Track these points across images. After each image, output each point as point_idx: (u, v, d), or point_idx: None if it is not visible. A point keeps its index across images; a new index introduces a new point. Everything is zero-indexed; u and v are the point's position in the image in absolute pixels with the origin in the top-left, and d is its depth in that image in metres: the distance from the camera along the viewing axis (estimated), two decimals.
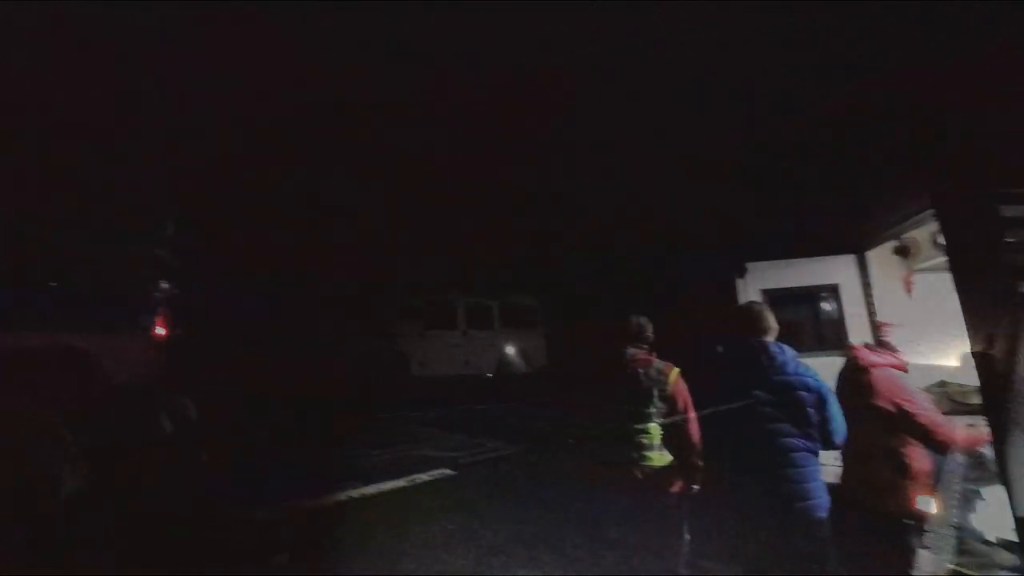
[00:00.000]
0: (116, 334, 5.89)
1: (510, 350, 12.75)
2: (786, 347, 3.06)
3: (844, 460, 3.37)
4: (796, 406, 2.89)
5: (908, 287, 4.91)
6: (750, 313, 3.18)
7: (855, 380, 3.38)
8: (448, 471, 6.47)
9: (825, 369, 4.71)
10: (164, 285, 6.21)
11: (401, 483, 6.07)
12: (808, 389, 2.91)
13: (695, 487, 3.53)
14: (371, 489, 5.85)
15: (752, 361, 3.01)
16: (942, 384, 4.59)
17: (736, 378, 3.05)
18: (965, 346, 3.88)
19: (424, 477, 6.28)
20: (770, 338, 3.08)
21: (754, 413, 2.92)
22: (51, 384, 3.98)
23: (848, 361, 3.49)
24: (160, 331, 6.33)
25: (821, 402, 2.92)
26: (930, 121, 3.65)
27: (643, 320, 3.66)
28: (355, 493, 5.69)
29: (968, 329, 3.36)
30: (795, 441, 2.88)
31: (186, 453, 4.86)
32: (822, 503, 2.88)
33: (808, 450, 2.90)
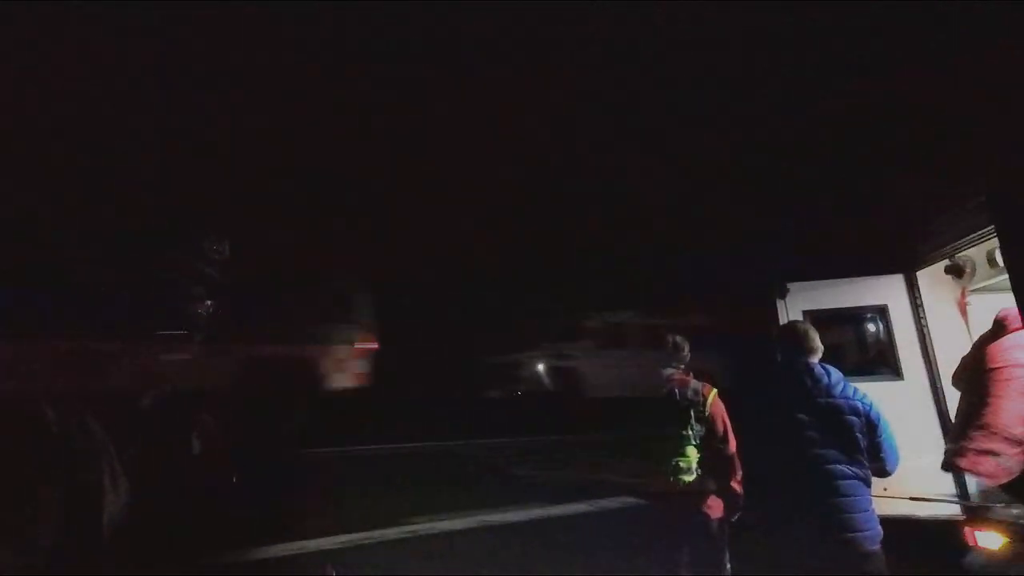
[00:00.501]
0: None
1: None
2: (832, 368, 2.94)
3: None
4: (844, 430, 2.76)
5: (962, 309, 4.67)
6: (795, 333, 3.08)
7: None
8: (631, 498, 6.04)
9: (875, 395, 4.54)
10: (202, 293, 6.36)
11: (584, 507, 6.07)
12: (857, 413, 2.77)
13: (736, 514, 3.39)
14: (556, 510, 5.87)
15: (797, 383, 2.88)
16: None
17: (780, 401, 2.93)
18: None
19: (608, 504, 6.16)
20: (815, 359, 2.97)
21: (800, 438, 2.79)
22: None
23: None
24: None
25: (871, 427, 2.78)
26: (986, 127, 3.51)
27: (679, 339, 3.58)
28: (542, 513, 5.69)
29: None
30: (843, 468, 2.73)
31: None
32: (873, 534, 2.72)
33: (857, 478, 2.75)
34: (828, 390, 2.83)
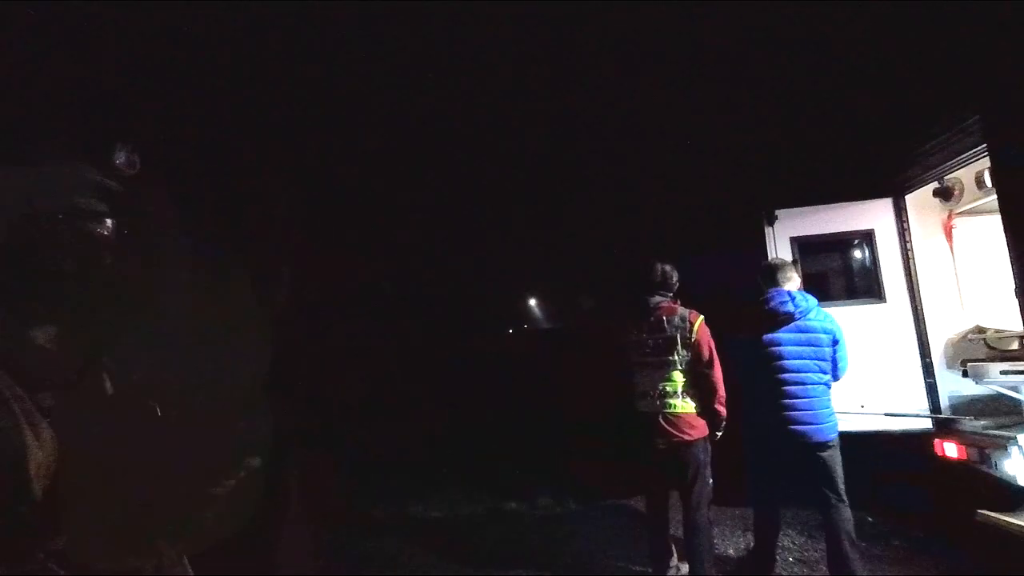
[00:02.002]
0: None
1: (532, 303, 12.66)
2: (809, 295, 3.51)
3: None
4: (817, 346, 3.40)
5: (948, 232, 4.70)
6: (773, 267, 3.61)
7: None
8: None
9: (858, 318, 4.65)
10: None
11: None
12: (827, 332, 3.42)
13: (718, 434, 3.54)
14: None
15: (780, 308, 3.42)
16: (979, 330, 4.46)
17: (766, 323, 3.45)
18: (1005, 290, 3.75)
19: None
20: (793, 287, 3.54)
21: (782, 353, 3.39)
22: None
23: None
24: None
25: (835, 343, 3.45)
26: (981, 44, 3.39)
27: (668, 267, 3.58)
28: None
29: (1013, 269, 3.23)
30: (815, 375, 3.39)
31: None
32: (834, 426, 3.41)
33: (824, 384, 3.43)
34: (805, 313, 3.41)
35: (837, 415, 3.46)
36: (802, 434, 3.30)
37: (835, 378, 3.49)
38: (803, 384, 3.35)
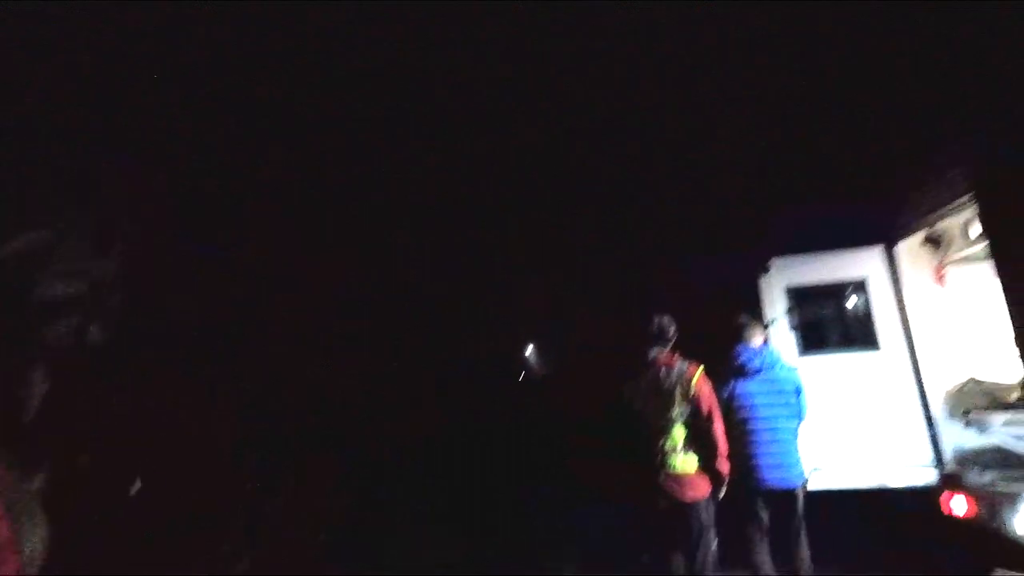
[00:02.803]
0: None
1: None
2: (773, 350, 3.91)
3: None
4: (787, 396, 3.73)
5: (940, 279, 4.72)
6: (742, 326, 3.90)
7: None
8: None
9: (855, 367, 4.60)
10: None
11: None
12: (791, 382, 3.76)
13: (723, 492, 3.40)
14: None
15: (748, 363, 3.75)
16: (977, 382, 4.40)
17: (737, 377, 3.78)
18: (1000, 340, 3.73)
19: None
20: (759, 342, 3.87)
21: (755, 404, 3.70)
22: None
23: None
24: None
25: (798, 392, 3.77)
26: (967, 100, 3.48)
27: (665, 319, 3.52)
28: None
29: (1012, 320, 3.21)
30: (784, 422, 3.69)
31: None
32: (803, 469, 3.72)
33: (793, 430, 3.73)
34: (772, 366, 3.74)
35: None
36: (770, 480, 3.58)
37: (799, 421, 3.82)
38: (772, 431, 3.65)
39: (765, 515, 3.63)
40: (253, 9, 4.33)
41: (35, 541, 0.94)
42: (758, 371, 3.72)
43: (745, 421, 3.67)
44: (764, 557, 3.62)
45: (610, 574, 4.04)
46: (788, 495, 3.60)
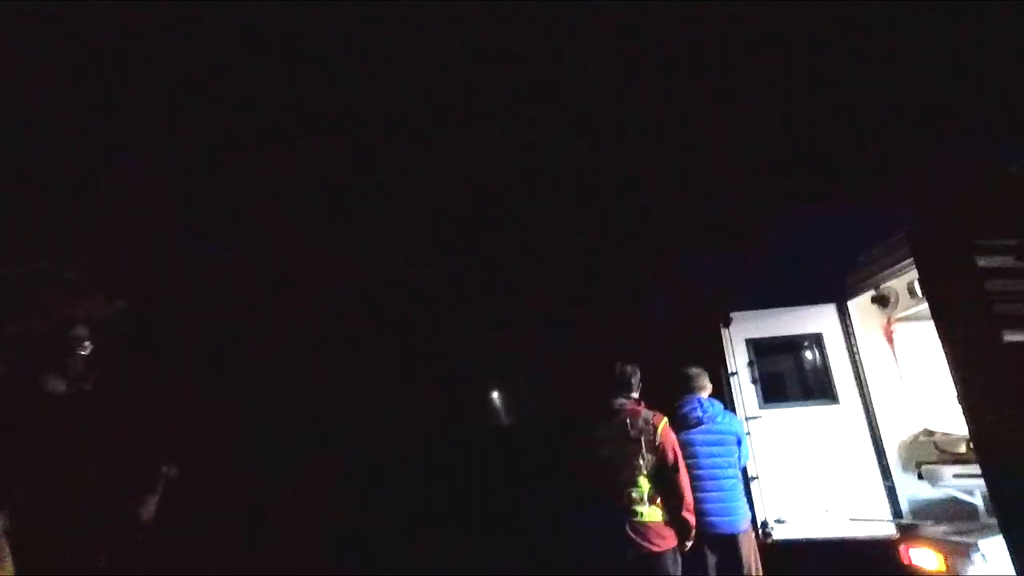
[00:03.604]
0: None
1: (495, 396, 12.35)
2: (716, 402, 4.10)
3: None
4: (729, 446, 3.94)
5: (888, 336, 4.97)
6: (688, 376, 4.14)
7: None
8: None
9: (814, 419, 4.74)
10: None
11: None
12: (732, 433, 3.99)
13: (688, 544, 3.41)
14: None
15: (691, 414, 3.95)
16: (928, 433, 4.59)
17: (681, 426, 3.89)
18: (948, 394, 3.92)
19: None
20: (705, 395, 4.11)
21: (701, 453, 3.88)
22: None
23: None
24: None
25: (739, 442, 4.02)
26: (909, 166, 3.80)
27: (628, 367, 3.61)
28: None
29: (954, 377, 3.40)
30: (731, 471, 3.90)
31: None
32: (748, 516, 3.94)
33: (734, 478, 3.93)
34: (714, 418, 3.95)
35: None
36: (715, 525, 3.71)
37: (741, 469, 4.07)
38: (715, 479, 3.82)
39: (713, 559, 3.73)
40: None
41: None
42: (699, 423, 3.92)
43: (690, 468, 3.74)
44: None
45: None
46: (733, 539, 3.75)
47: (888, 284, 4.64)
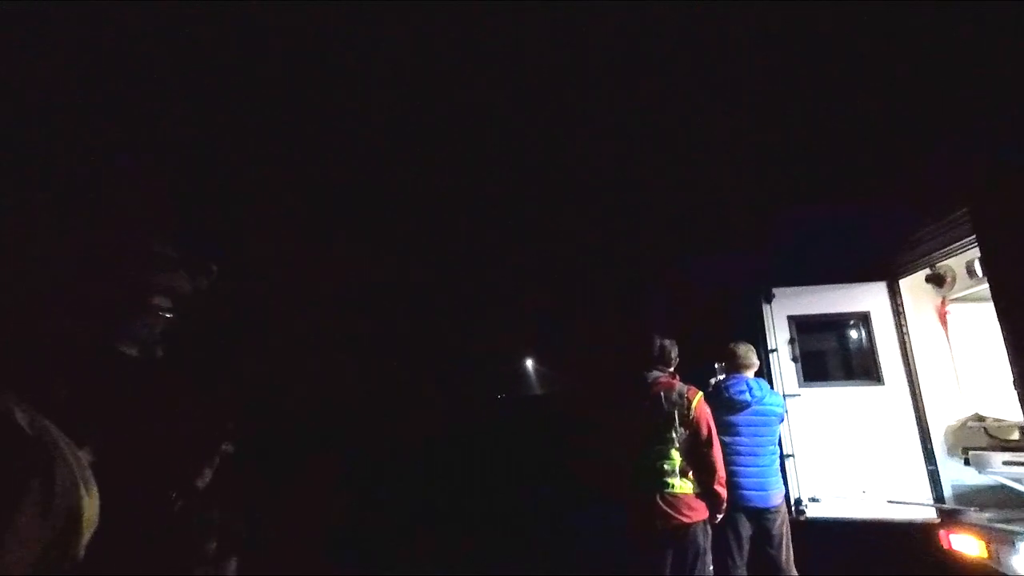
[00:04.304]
0: None
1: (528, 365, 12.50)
2: (763, 382, 4.03)
3: None
4: (772, 426, 3.95)
5: (942, 317, 4.76)
6: (735, 355, 4.05)
7: None
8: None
9: (856, 399, 4.63)
10: None
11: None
12: (777, 414, 3.98)
13: (719, 516, 3.43)
14: None
15: (738, 397, 3.87)
16: (979, 417, 4.43)
17: (724, 409, 3.85)
18: (1003, 378, 3.76)
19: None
20: (751, 373, 4.01)
21: (739, 432, 3.86)
22: None
23: None
24: None
25: (780, 420, 4.05)
26: (973, 138, 3.58)
27: (667, 342, 3.59)
28: None
29: (1011, 362, 3.25)
30: (767, 449, 3.90)
31: None
32: (779, 492, 3.90)
33: (774, 455, 3.94)
34: (761, 399, 3.88)
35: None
36: (749, 499, 3.73)
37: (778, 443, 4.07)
38: (755, 455, 3.83)
39: (745, 532, 3.74)
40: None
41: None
42: (749, 405, 3.85)
43: (731, 445, 3.78)
44: (742, 572, 3.73)
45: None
46: (765, 513, 3.77)
47: (945, 263, 4.42)
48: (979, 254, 3.85)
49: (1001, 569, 3.56)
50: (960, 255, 4.17)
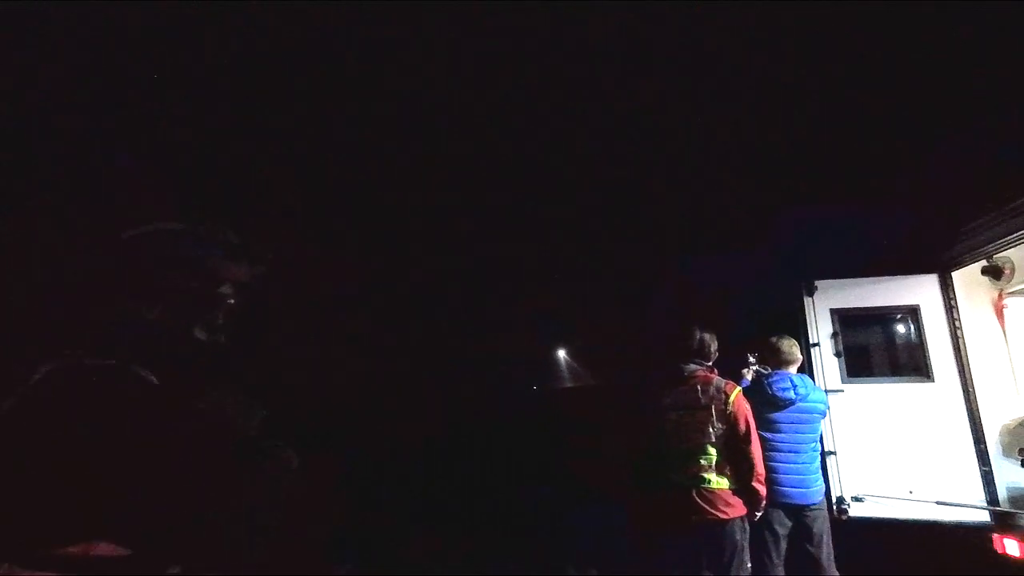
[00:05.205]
0: None
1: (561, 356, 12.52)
2: (807, 378, 3.93)
3: None
4: (815, 423, 3.88)
5: (999, 311, 4.53)
6: (777, 350, 3.97)
7: None
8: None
9: (904, 397, 4.46)
10: None
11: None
12: (821, 412, 3.91)
13: (757, 514, 3.36)
14: None
15: (782, 395, 3.75)
16: None
17: (767, 406, 3.76)
18: None
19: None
20: (794, 369, 3.95)
21: (780, 428, 3.77)
22: None
23: None
24: None
25: (823, 415, 3.97)
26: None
27: (707, 336, 3.51)
28: None
29: None
30: (809, 446, 3.83)
31: None
32: (820, 490, 3.84)
33: (815, 451, 3.88)
34: (805, 397, 3.78)
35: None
36: (789, 496, 3.67)
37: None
38: (796, 452, 3.76)
39: (783, 529, 3.69)
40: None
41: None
42: (792, 403, 3.75)
43: (771, 442, 3.72)
44: (779, 571, 3.66)
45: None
46: (805, 510, 3.72)
47: (1003, 254, 4.20)
48: None
49: None
50: (1020, 246, 3.95)
